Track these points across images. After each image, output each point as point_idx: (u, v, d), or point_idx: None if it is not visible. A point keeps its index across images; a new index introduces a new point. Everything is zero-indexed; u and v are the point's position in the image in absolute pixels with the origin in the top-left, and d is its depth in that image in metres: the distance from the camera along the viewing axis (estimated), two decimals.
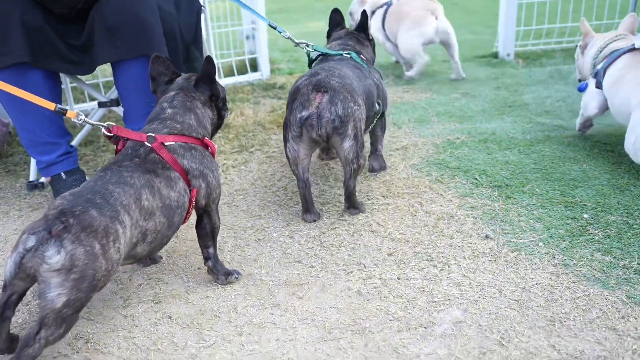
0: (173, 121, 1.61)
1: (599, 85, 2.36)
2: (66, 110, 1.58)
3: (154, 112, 1.66)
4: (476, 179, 2.23)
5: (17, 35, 1.87)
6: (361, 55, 2.25)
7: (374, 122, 2.23)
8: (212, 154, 1.66)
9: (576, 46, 2.69)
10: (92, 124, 1.59)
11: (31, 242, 1.27)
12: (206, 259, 1.66)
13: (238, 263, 1.75)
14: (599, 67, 2.41)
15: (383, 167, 2.33)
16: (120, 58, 1.94)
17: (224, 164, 2.46)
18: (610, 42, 2.46)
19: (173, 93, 1.67)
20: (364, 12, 2.37)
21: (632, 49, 2.30)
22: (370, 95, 2.10)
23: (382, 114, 2.33)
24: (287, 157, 1.95)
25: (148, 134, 1.53)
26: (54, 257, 1.26)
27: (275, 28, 2.20)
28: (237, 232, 1.93)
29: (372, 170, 2.32)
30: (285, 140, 1.94)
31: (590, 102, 2.41)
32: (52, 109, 1.57)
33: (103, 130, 1.56)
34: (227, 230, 1.94)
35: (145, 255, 1.49)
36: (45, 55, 1.94)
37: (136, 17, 1.89)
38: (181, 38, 2.08)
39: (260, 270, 1.71)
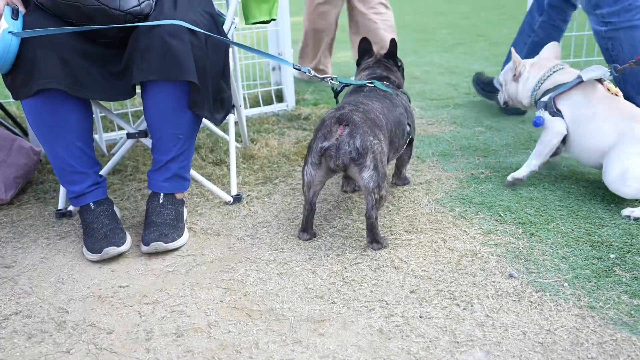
0: None
1: (554, 115, 2.40)
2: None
3: None
4: (500, 215, 2.21)
5: (54, 63, 1.92)
6: (385, 82, 2.33)
7: (404, 146, 2.31)
8: None
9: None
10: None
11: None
12: None
13: (260, 297, 1.76)
14: (545, 99, 2.43)
15: (407, 182, 2.54)
16: (144, 79, 1.97)
17: (248, 195, 2.48)
18: (551, 74, 2.47)
19: None
20: (392, 40, 2.42)
21: (580, 82, 2.35)
22: (401, 124, 2.20)
23: (411, 140, 2.36)
24: (302, 179, 2.06)
25: None
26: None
27: (299, 69, 2.24)
28: (260, 266, 1.94)
29: (394, 184, 2.52)
30: (305, 163, 2.04)
31: (554, 123, 2.39)
32: None
33: None
34: (250, 263, 1.95)
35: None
36: (82, 85, 1.99)
37: (164, 42, 1.94)
38: (210, 71, 2.12)
39: (282, 305, 1.72)
